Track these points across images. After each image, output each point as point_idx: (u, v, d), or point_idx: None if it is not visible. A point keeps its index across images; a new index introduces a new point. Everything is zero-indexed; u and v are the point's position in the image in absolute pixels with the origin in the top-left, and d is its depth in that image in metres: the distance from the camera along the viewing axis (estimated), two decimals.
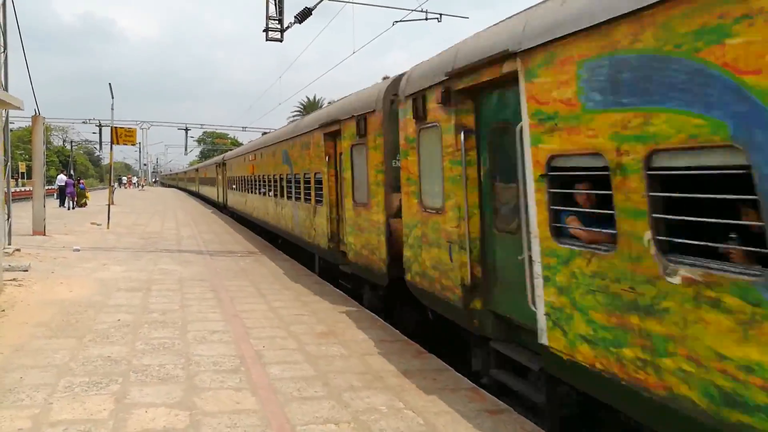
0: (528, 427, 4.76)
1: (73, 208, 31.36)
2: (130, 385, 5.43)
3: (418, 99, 6.48)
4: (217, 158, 39.13)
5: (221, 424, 4.63)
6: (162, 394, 5.23)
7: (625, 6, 3.42)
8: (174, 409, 4.90)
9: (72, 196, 31.98)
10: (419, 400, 5.25)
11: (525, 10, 4.81)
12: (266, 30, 16.55)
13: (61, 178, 34.20)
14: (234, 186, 27.03)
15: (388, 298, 8.60)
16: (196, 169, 59.37)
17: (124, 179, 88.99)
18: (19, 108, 14.57)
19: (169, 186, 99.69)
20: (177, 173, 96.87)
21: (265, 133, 25.20)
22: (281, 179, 15.24)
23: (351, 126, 8.98)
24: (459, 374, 6.06)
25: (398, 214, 7.48)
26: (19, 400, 4.98)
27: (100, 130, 61.86)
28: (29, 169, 40.39)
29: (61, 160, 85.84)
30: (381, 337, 7.38)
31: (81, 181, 37.40)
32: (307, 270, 12.81)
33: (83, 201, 33.18)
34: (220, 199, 33.34)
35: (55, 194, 34.38)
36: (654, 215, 3.30)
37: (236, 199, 26.46)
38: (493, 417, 4.93)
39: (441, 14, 18.15)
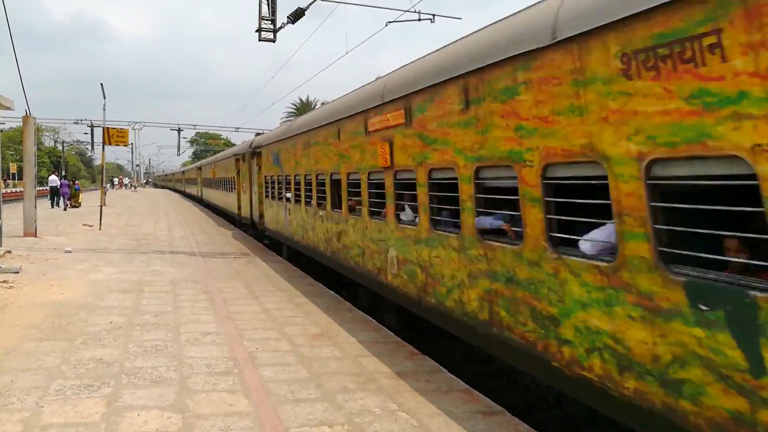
0: (521, 429, 4.77)
1: (65, 209, 31.46)
2: (123, 387, 5.39)
3: None
4: (241, 146, 24.08)
5: (214, 426, 4.61)
6: (155, 396, 5.20)
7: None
8: (167, 411, 4.87)
9: (67, 196, 32.19)
10: (413, 402, 5.26)
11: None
12: (259, 30, 16.50)
13: (53, 179, 34.22)
14: (289, 194, 13.66)
15: None
16: (199, 168, 45.30)
17: (116, 180, 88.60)
18: (9, 108, 14.51)
19: (162, 187, 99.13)
20: (174, 173, 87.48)
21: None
22: None
23: None
24: (452, 375, 6.06)
25: None
26: (10, 404, 4.94)
27: (92, 130, 61.48)
28: (20, 170, 40.40)
29: (53, 161, 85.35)
30: (374, 339, 7.38)
31: (76, 182, 37.64)
32: (301, 271, 12.78)
33: (78, 202, 33.35)
34: (246, 213, 20.67)
35: (48, 195, 34.52)
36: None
37: (296, 222, 13.04)
38: (487, 418, 4.93)
39: (434, 15, 18.17)
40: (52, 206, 32.26)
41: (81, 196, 35.36)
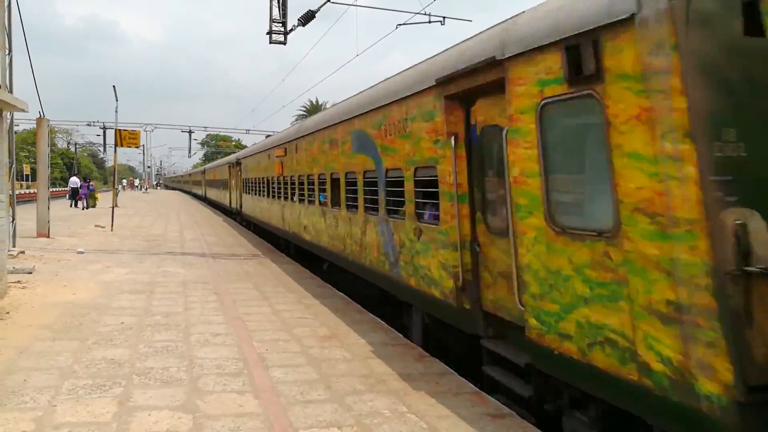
0: (530, 431, 4.75)
1: (85, 208, 33.65)
2: (134, 387, 5.44)
3: None
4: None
5: (224, 427, 4.63)
6: (165, 397, 5.23)
7: None
8: (177, 412, 4.90)
9: (86, 197, 34.50)
10: (422, 404, 5.25)
11: None
12: (270, 33, 16.60)
13: (74, 180, 36.64)
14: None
15: None
16: (236, 162, 27.21)
17: (125, 181, 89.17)
18: (23, 110, 14.64)
19: (173, 189, 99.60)
20: (190, 173, 79.24)
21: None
22: None
23: None
24: (462, 378, 6.05)
25: None
26: (23, 402, 5.00)
27: (104, 132, 62.13)
28: (34, 171, 41.61)
29: (65, 163, 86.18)
30: (384, 341, 7.38)
31: (91, 183, 39.88)
32: (311, 273, 12.81)
33: (93, 202, 35.51)
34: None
35: (67, 195, 37.08)
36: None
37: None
38: (496, 421, 4.92)
39: (444, 17, 18.16)
40: (71, 206, 34.15)
41: (98, 196, 37.70)
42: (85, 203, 34.34)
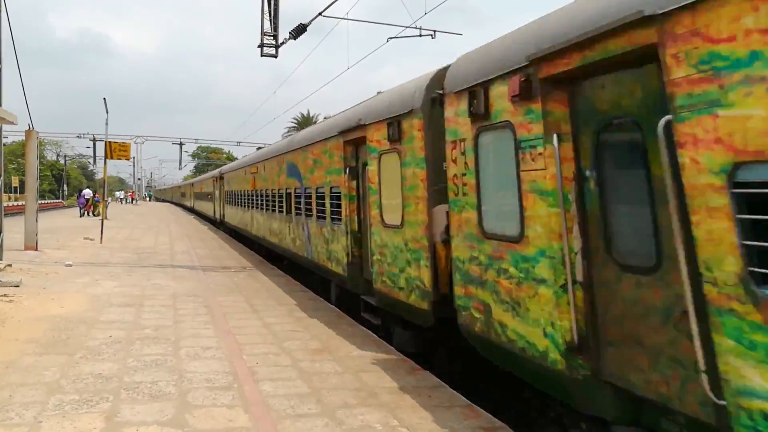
0: None
1: (82, 215, 38.07)
2: (122, 402, 5.36)
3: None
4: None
5: None
6: (154, 411, 5.16)
7: None
8: (166, 427, 4.83)
9: (83, 206, 39.25)
10: (414, 418, 5.21)
11: None
12: (261, 46, 16.66)
13: (88, 192, 42.14)
14: None
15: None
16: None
17: (119, 193, 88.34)
18: (13, 123, 14.57)
19: (164, 200, 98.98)
20: (189, 182, 70.05)
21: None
22: None
23: None
24: (454, 391, 6.02)
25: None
26: (8, 419, 4.90)
27: (94, 144, 61.86)
28: (22, 183, 42.36)
29: (54, 175, 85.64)
30: (375, 354, 7.34)
31: (96, 195, 44.04)
32: (302, 285, 12.76)
33: (97, 211, 39.00)
34: None
35: (80, 206, 42.15)
36: None
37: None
38: None
39: (435, 31, 18.28)
40: (81, 215, 38.58)
41: (99, 206, 39.70)
42: (82, 212, 38.84)
